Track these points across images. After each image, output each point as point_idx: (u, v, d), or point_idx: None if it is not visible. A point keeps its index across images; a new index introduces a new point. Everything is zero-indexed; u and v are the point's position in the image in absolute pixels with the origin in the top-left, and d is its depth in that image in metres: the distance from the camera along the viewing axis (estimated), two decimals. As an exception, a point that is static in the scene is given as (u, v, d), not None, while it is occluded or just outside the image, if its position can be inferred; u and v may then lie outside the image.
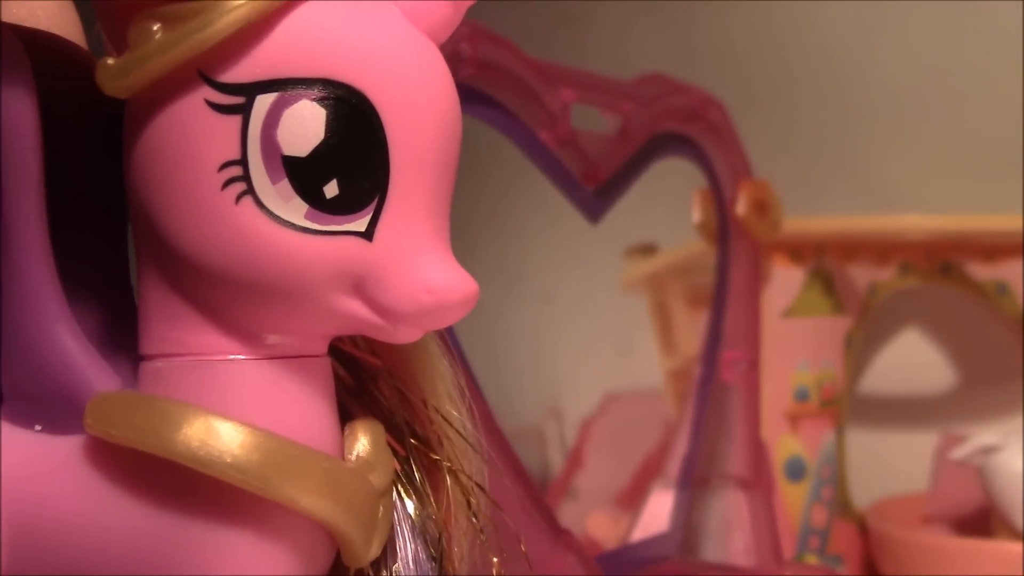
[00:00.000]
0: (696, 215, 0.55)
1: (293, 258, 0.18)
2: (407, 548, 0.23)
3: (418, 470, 0.23)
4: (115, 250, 0.22)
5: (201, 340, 0.20)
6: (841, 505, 0.61)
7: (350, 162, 0.18)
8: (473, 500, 0.24)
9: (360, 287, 0.19)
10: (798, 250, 0.59)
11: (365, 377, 0.24)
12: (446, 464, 0.23)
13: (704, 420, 0.49)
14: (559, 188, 0.42)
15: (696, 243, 0.57)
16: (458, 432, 0.24)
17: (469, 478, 0.24)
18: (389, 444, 0.23)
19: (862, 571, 0.61)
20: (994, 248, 0.62)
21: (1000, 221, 0.60)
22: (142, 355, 0.20)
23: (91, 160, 0.22)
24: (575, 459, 0.73)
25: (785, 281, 0.59)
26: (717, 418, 0.50)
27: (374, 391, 0.23)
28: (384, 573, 0.22)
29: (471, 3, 0.21)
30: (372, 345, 0.23)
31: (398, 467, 0.23)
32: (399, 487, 0.23)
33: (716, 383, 0.50)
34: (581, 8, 0.85)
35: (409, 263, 0.19)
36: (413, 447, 0.23)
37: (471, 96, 0.37)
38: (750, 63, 0.77)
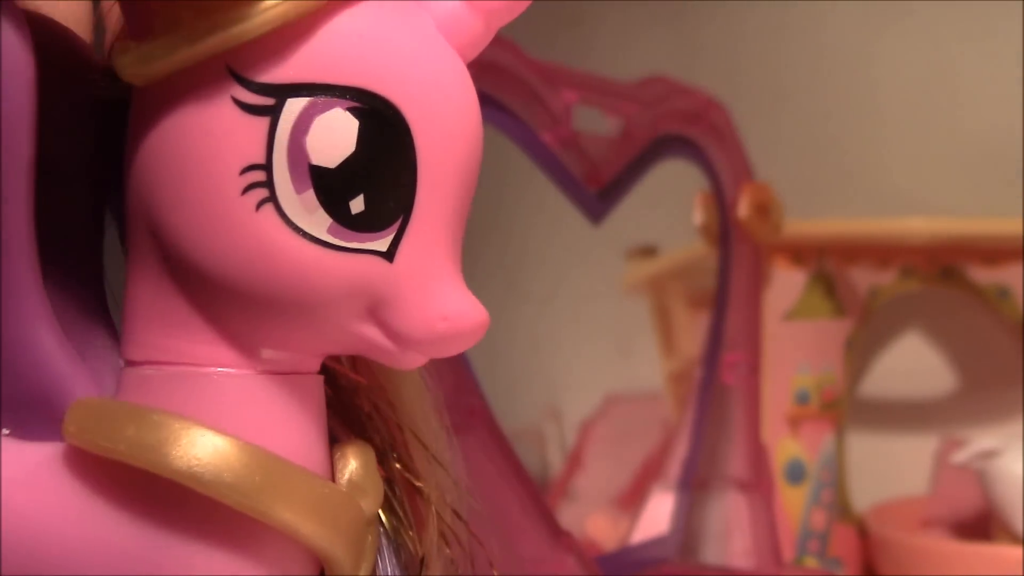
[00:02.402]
0: (697, 217, 0.55)
1: (310, 273, 0.17)
2: (388, 573, 0.22)
3: (399, 494, 0.22)
4: (91, 246, 0.21)
5: (196, 350, 0.18)
6: (841, 508, 0.61)
7: (380, 178, 0.17)
8: (449, 527, 0.23)
9: (374, 309, 0.18)
10: (799, 253, 0.59)
11: (344, 393, 0.22)
12: (426, 490, 0.22)
13: (704, 422, 0.49)
14: (561, 189, 0.42)
15: (697, 245, 0.57)
16: (434, 458, 0.23)
17: (446, 504, 0.23)
18: None
19: (861, 574, 0.61)
20: (995, 252, 0.62)
21: (1002, 225, 0.60)
22: (126, 360, 0.19)
23: (75, 151, 0.20)
24: (575, 460, 0.73)
25: (786, 284, 0.59)
26: (717, 420, 0.50)
27: (356, 409, 0.22)
28: None
29: (503, 24, 0.20)
30: (353, 361, 0.23)
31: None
32: (382, 511, 0.22)
33: (716, 385, 0.50)
34: (583, 9, 0.86)
35: (427, 288, 0.18)
36: (396, 471, 0.22)
37: (473, 97, 0.37)
38: (752, 65, 0.77)
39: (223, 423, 0.18)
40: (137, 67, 0.18)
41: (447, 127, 0.18)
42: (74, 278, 0.20)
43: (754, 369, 0.51)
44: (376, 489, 0.20)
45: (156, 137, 0.18)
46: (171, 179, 0.18)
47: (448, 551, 0.23)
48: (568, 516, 0.64)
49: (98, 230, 0.21)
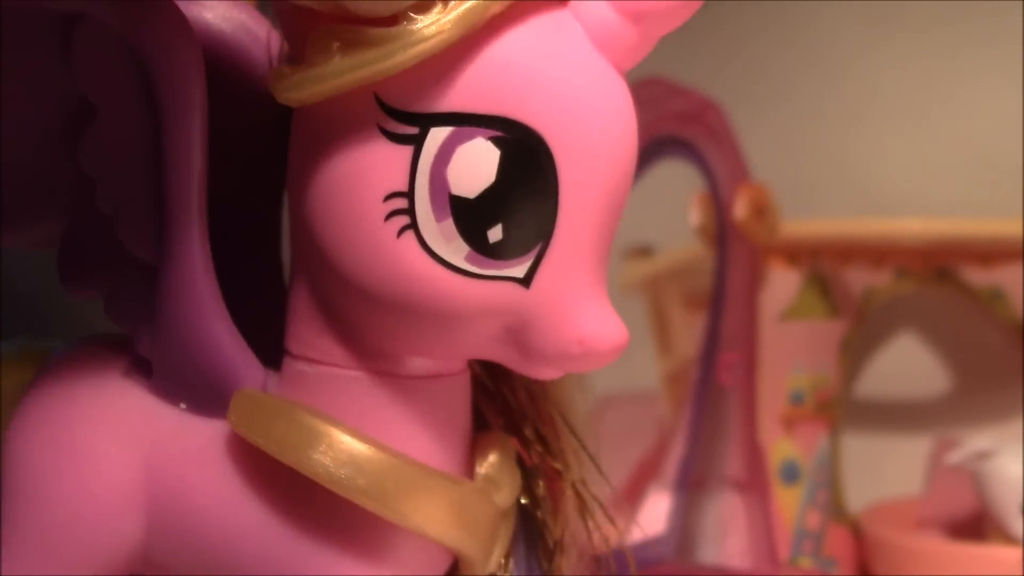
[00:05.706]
0: (694, 218, 0.55)
1: (448, 299, 0.18)
2: (522, 558, 0.23)
3: (541, 481, 0.23)
4: (271, 230, 0.23)
5: (345, 353, 0.19)
6: (835, 509, 0.61)
7: (519, 208, 0.18)
8: (591, 518, 0.23)
9: (511, 329, 0.18)
10: (795, 253, 0.59)
11: (499, 379, 0.23)
12: (566, 475, 0.23)
13: (700, 422, 0.49)
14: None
15: (694, 246, 0.57)
16: (582, 446, 0.23)
17: (592, 495, 0.23)
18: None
19: (856, 575, 0.61)
20: (991, 253, 0.62)
21: (997, 226, 0.60)
22: (287, 350, 0.20)
23: (246, 151, 0.22)
24: (570, 460, 0.73)
25: (782, 284, 0.59)
26: (713, 421, 0.50)
27: (506, 394, 0.23)
28: None
29: (663, 31, 0.20)
30: None
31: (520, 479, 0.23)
32: (521, 498, 0.23)
33: (712, 385, 0.50)
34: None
35: (564, 312, 0.18)
36: (539, 456, 0.23)
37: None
38: (749, 67, 0.77)
39: (365, 425, 0.19)
40: (289, 92, 0.18)
41: (594, 151, 0.18)
42: (254, 260, 0.22)
43: (750, 369, 0.51)
44: (512, 480, 0.21)
45: (310, 155, 0.19)
46: (322, 197, 0.18)
47: (585, 535, 0.23)
48: (563, 516, 0.64)
49: (276, 217, 0.23)
